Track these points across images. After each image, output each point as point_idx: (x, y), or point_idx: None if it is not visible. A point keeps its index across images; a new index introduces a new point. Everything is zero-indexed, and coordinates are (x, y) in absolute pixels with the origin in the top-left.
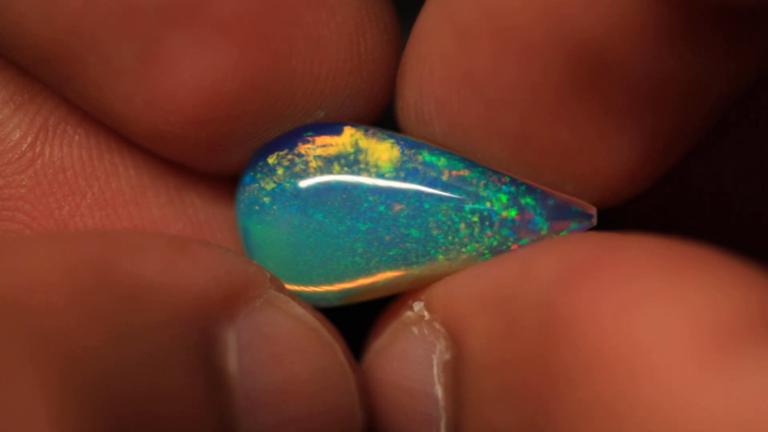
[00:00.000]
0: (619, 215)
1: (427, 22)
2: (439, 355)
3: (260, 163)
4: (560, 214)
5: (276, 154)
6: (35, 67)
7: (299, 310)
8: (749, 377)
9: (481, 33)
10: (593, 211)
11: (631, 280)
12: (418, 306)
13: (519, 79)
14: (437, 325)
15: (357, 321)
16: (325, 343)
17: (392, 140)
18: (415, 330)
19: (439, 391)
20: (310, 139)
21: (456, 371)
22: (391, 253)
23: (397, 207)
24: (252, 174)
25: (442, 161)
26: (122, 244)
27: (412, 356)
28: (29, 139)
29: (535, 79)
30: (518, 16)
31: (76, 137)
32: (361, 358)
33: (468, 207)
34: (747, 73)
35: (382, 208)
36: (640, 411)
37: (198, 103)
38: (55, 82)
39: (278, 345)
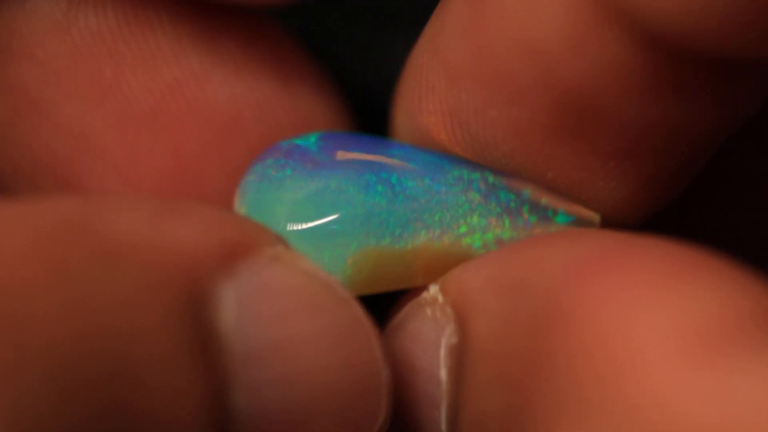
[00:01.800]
0: None
1: (419, 57)
2: (447, 338)
3: (267, 162)
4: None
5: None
6: None
7: (311, 265)
8: (733, 380)
9: (469, 74)
10: (597, 218)
11: (634, 283)
12: (433, 288)
13: (505, 120)
14: (448, 309)
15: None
16: (340, 299)
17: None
18: (429, 311)
19: (444, 374)
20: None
21: (460, 355)
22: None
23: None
24: (260, 168)
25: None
26: (100, 205)
27: (424, 337)
28: (63, 7)
29: (521, 122)
30: (506, 61)
31: (110, 1)
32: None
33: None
34: (735, 116)
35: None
36: (617, 406)
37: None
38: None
39: (286, 301)
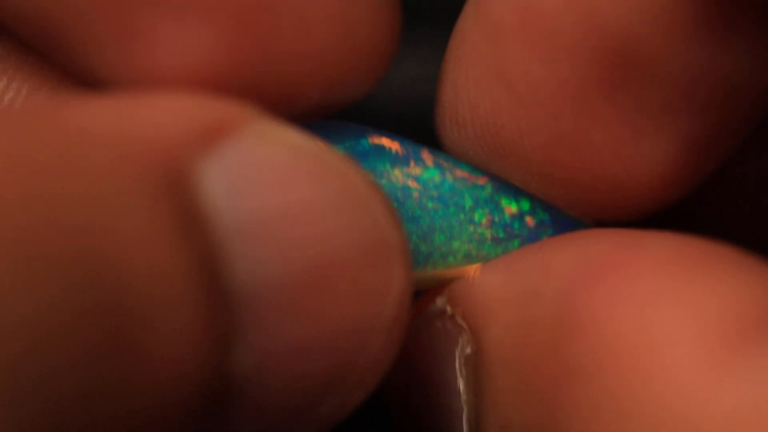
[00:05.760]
0: None
1: (464, 24)
2: (460, 349)
3: None
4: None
5: None
6: (23, 32)
7: (299, 138)
8: (758, 375)
9: (511, 30)
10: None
11: (646, 278)
12: (441, 300)
13: (549, 76)
14: (459, 320)
15: None
16: (331, 168)
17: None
18: (438, 324)
19: (461, 385)
20: None
21: (476, 365)
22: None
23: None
24: None
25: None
26: (67, 99)
27: (436, 349)
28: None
29: (567, 78)
30: (551, 15)
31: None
32: None
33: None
34: None
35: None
36: (649, 408)
37: (180, 83)
38: (44, 47)
39: (275, 174)
